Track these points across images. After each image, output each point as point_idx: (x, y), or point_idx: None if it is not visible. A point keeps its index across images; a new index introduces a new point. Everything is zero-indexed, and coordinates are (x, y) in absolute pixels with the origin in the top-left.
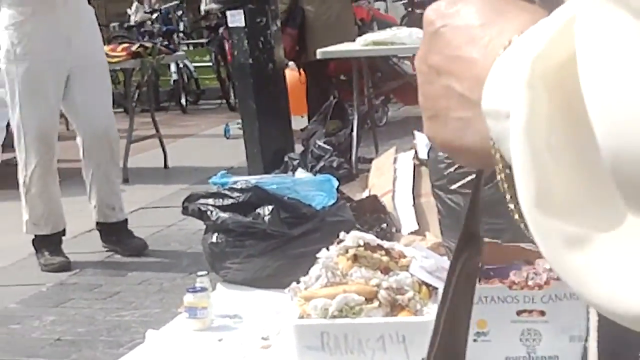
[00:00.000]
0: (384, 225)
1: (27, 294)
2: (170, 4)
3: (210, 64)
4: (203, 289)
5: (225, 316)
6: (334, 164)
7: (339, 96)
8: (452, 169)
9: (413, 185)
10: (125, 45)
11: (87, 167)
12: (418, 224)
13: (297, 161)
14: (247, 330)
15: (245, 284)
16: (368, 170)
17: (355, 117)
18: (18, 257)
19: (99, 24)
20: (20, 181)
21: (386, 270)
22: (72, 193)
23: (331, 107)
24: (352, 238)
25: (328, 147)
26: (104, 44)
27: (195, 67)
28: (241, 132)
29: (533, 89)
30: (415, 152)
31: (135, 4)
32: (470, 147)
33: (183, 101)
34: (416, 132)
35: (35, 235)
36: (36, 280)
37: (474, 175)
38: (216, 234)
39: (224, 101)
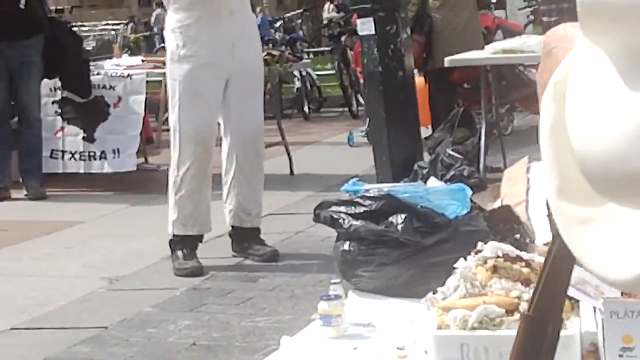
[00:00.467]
0: (518, 235)
1: (162, 298)
2: (293, 12)
3: (332, 71)
4: (337, 297)
5: (359, 324)
6: (465, 173)
7: (463, 104)
8: None
9: None
10: None
11: (229, 170)
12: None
13: (427, 169)
14: (381, 339)
15: (377, 292)
16: (497, 180)
17: (484, 125)
18: (151, 260)
19: None
20: (171, 181)
21: (527, 282)
22: None
23: (458, 115)
24: (491, 248)
25: (458, 155)
26: None
27: (317, 75)
28: (364, 139)
29: (556, 103)
30: None
31: None
32: None
33: (306, 109)
34: None
35: (174, 236)
36: (170, 284)
37: None
38: (348, 242)
39: (346, 109)
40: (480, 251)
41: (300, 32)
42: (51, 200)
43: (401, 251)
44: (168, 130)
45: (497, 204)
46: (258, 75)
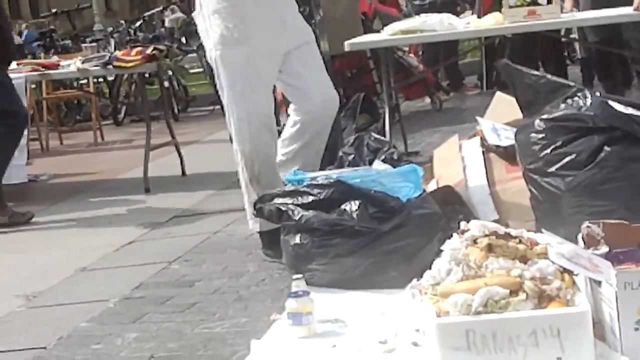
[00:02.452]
0: (461, 216)
1: (95, 311)
2: (153, 11)
3: (199, 70)
4: (305, 293)
5: (326, 321)
6: (395, 156)
7: (344, 93)
8: (548, 150)
9: (486, 173)
10: (139, 48)
11: (292, 145)
12: (498, 212)
13: (352, 155)
14: (357, 335)
15: (333, 285)
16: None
17: (387, 110)
18: (65, 274)
19: None
20: (246, 176)
21: (524, 259)
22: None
23: (359, 101)
24: (478, 227)
25: (384, 138)
26: None
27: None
28: None
29: None
30: (482, 138)
31: None
32: None
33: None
34: (479, 118)
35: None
36: (97, 296)
37: (573, 156)
38: (299, 235)
39: (218, 106)
40: (466, 231)
41: (163, 30)
42: None
43: (357, 240)
44: (36, 139)
45: (432, 186)
46: (314, 45)
